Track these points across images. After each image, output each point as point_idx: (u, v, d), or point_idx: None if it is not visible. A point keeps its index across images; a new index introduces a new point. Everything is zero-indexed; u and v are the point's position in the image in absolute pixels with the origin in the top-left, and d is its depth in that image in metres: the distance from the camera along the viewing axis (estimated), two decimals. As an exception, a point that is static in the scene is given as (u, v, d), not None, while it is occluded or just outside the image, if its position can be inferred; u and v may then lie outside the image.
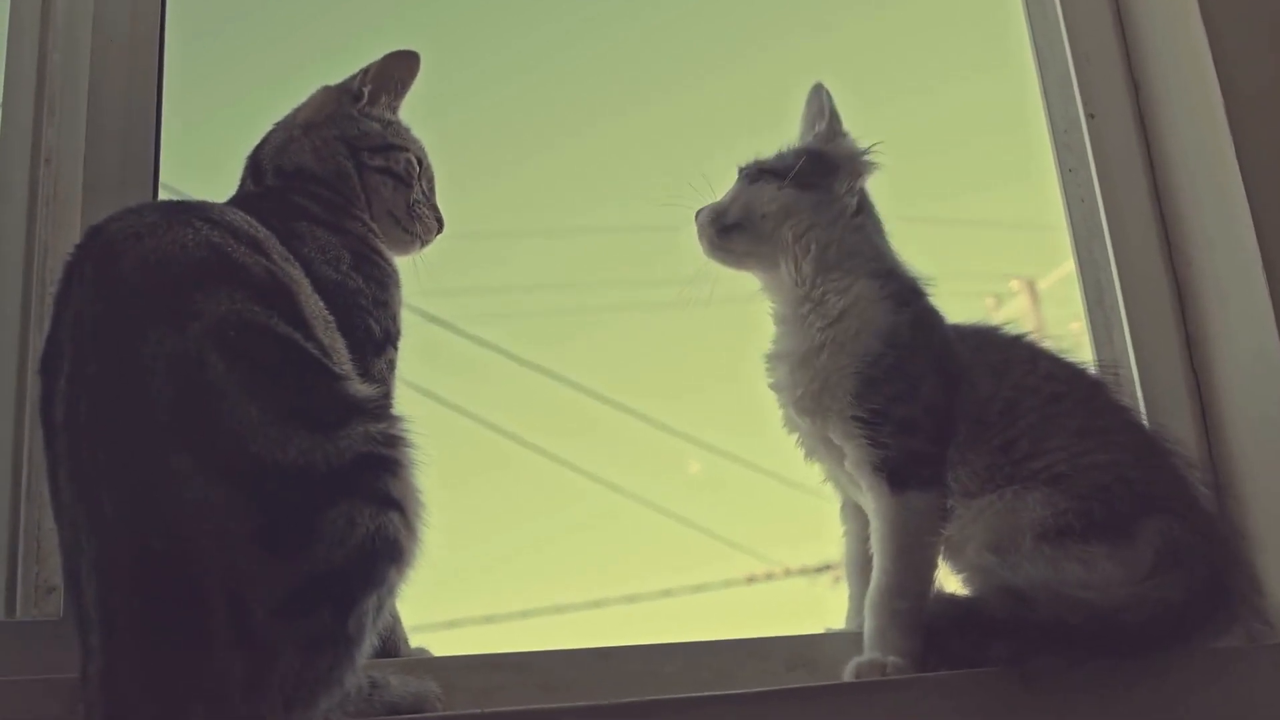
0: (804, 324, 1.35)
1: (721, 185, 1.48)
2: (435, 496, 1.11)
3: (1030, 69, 1.86)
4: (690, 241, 1.45)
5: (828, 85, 1.49)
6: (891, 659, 1.19)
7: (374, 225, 1.39)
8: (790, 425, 1.40)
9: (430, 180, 1.48)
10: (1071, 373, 1.41)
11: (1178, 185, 1.75)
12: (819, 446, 1.38)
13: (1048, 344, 1.44)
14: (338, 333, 1.18)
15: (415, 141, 1.47)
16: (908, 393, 1.29)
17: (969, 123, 2.42)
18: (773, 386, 1.39)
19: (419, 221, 1.43)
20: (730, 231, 1.38)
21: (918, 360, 1.32)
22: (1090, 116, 1.80)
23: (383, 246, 1.37)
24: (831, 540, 1.44)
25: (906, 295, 1.37)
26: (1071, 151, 1.82)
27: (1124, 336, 1.73)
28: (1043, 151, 1.83)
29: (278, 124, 1.43)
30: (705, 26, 2.22)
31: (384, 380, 1.27)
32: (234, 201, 1.34)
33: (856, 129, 1.48)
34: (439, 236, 1.48)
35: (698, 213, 1.42)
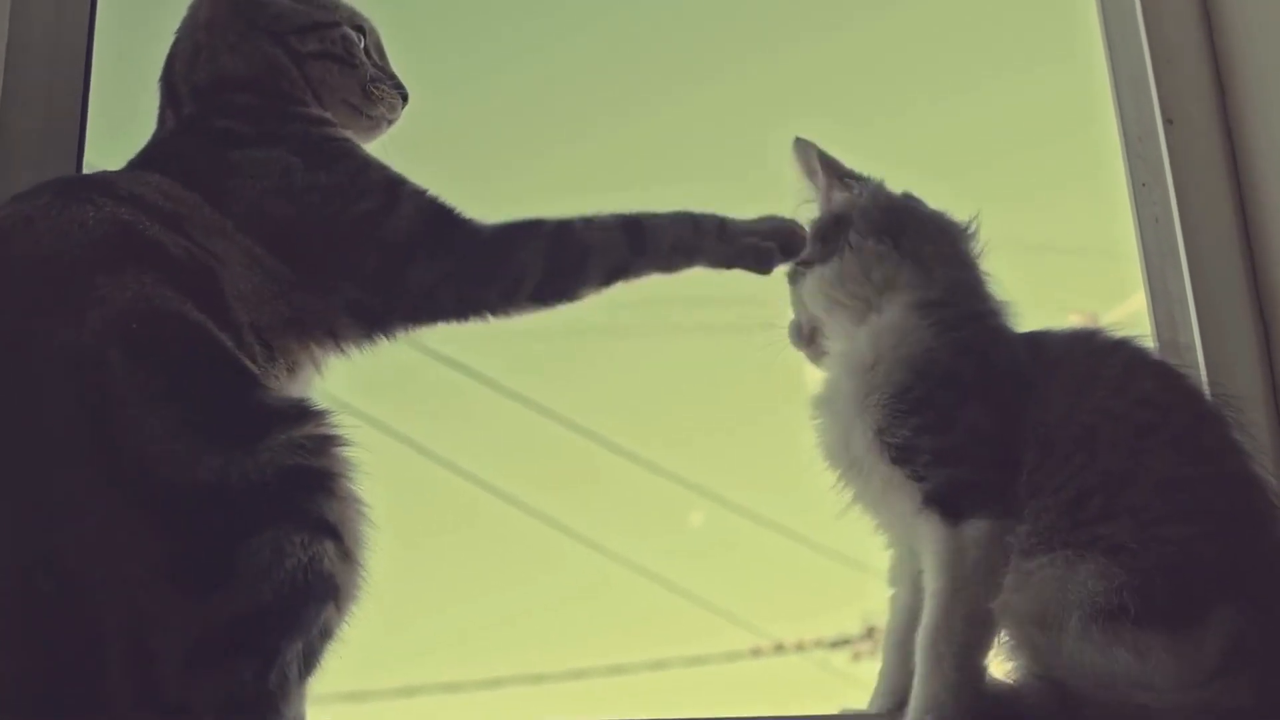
0: (841, 367, 1.39)
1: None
2: (388, 551, 1.08)
3: (1101, 68, 1.82)
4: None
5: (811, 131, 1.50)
6: None
7: (324, 114, 1.34)
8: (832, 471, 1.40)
9: (378, 47, 1.42)
10: (1173, 398, 1.33)
11: (1266, 204, 1.70)
12: (866, 491, 1.36)
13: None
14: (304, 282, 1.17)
15: (344, 8, 1.41)
16: (939, 422, 1.28)
17: (1026, 130, 2.38)
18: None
19: (379, 103, 1.38)
20: (814, 337, 1.45)
21: (952, 387, 1.31)
22: (1169, 123, 1.75)
23: (336, 130, 1.32)
24: (849, 610, 1.39)
25: (955, 320, 1.36)
26: (1145, 163, 1.77)
27: (1199, 379, 1.65)
28: (1112, 163, 1.79)
29: (178, 32, 1.37)
30: (710, 25, 2.21)
31: (428, 217, 1.25)
32: (151, 151, 1.30)
33: (894, 138, 1.47)
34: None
35: (789, 337, 1.49)
